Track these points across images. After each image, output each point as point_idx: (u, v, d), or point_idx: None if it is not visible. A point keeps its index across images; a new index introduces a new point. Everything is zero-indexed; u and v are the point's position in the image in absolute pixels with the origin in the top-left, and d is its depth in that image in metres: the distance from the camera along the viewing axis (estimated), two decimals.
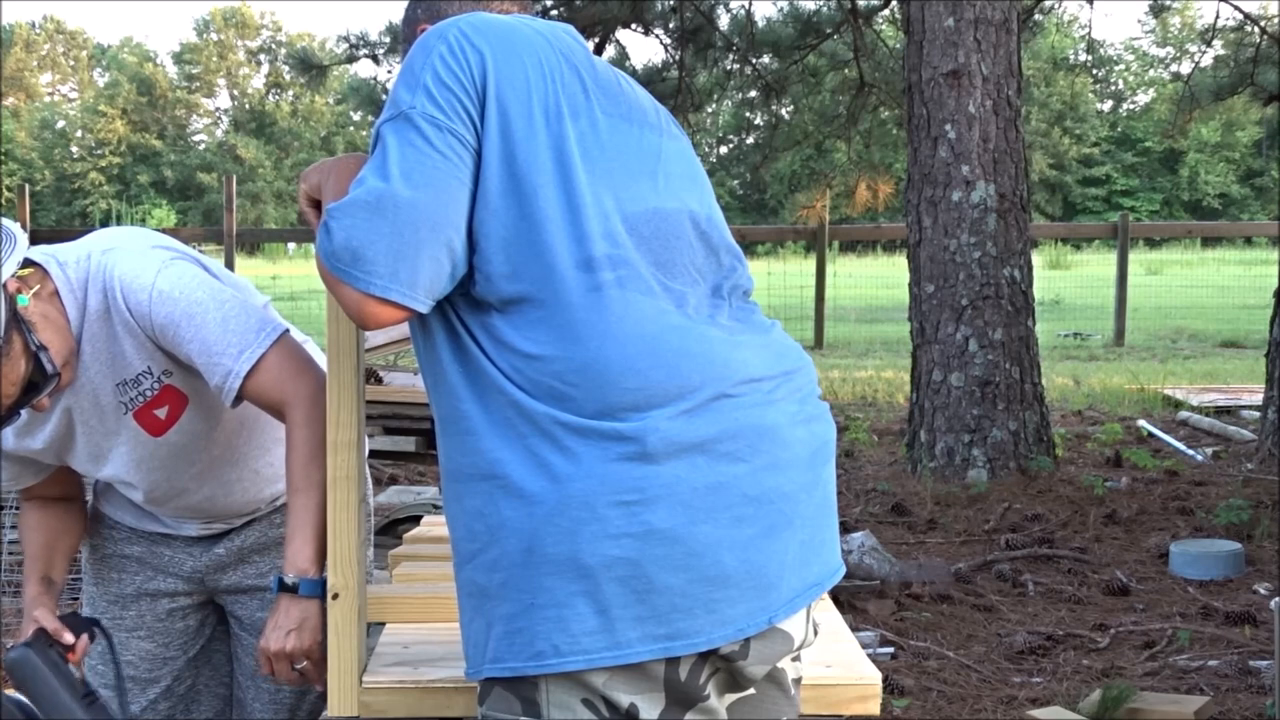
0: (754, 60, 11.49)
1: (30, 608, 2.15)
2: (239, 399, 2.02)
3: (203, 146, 50.88)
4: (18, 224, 2.02)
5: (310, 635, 1.91)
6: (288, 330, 2.08)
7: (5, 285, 1.91)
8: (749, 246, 21.85)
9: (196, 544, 2.32)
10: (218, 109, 54.24)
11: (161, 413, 2.11)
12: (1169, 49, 44.26)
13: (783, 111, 13.23)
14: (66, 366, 2.01)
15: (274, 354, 2.01)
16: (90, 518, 2.37)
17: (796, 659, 1.69)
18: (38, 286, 1.98)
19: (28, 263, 1.99)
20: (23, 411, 2.02)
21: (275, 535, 2.32)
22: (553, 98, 1.56)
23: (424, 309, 1.53)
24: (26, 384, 1.95)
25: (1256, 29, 10.17)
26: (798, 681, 1.70)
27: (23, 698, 2.42)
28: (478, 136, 1.53)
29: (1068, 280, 19.87)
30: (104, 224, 35.81)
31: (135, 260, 2.03)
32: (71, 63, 57.51)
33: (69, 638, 2.10)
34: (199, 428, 2.16)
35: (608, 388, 1.50)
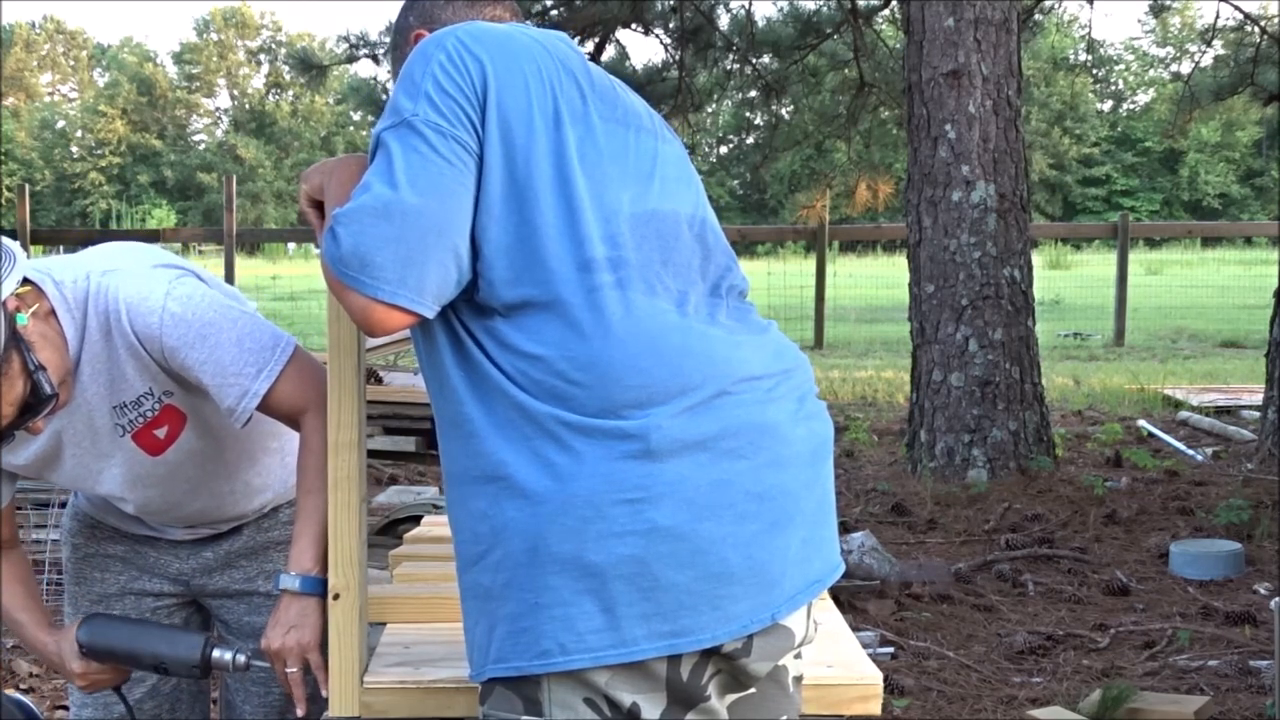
0: (754, 60, 11.48)
1: (62, 640, 2.09)
2: (251, 417, 2.01)
3: (203, 146, 50.92)
4: (16, 242, 1.97)
5: (311, 632, 1.92)
6: (298, 342, 2.07)
7: (4, 304, 1.87)
8: (749, 246, 21.94)
9: (182, 547, 2.31)
10: (218, 109, 54.33)
11: (161, 433, 2.09)
12: (1169, 49, 44.30)
13: (783, 111, 13.22)
14: (64, 386, 1.97)
15: (291, 367, 2.01)
16: (72, 517, 2.35)
17: (798, 656, 1.69)
18: (35, 305, 1.94)
19: (24, 281, 1.94)
20: (15, 435, 1.99)
21: (263, 540, 2.32)
22: (551, 104, 1.57)
23: (431, 314, 1.54)
24: (23, 405, 1.91)
25: (1256, 29, 10.17)
26: (798, 680, 1.71)
27: (23, 698, 2.43)
28: (479, 143, 1.54)
29: (1068, 280, 19.88)
30: (104, 224, 35.81)
31: (140, 282, 1.99)
32: (71, 63, 57.53)
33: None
34: (195, 445, 2.14)
35: (611, 385, 1.51)
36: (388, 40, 10.21)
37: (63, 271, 2.01)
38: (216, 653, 2.01)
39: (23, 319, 1.91)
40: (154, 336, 1.98)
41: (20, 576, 2.17)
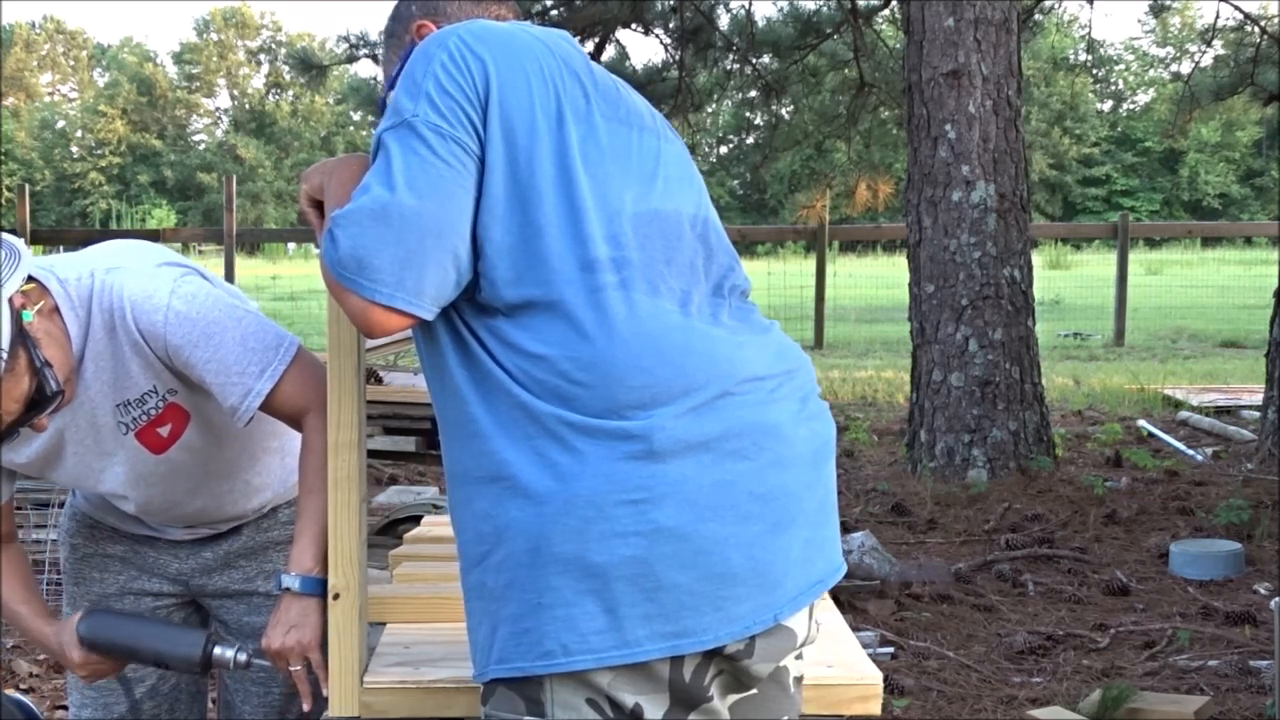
0: (754, 60, 11.48)
1: (62, 630, 2.09)
2: (252, 417, 2.01)
3: (203, 146, 50.91)
4: (20, 239, 1.98)
5: (310, 631, 1.92)
6: (301, 343, 2.07)
7: (10, 300, 1.88)
8: (749, 246, 21.92)
9: (182, 547, 2.30)
10: (218, 109, 54.32)
11: (164, 430, 2.10)
12: (1169, 49, 44.30)
13: (783, 111, 13.23)
14: (68, 384, 1.98)
15: (295, 367, 2.02)
16: (70, 518, 2.35)
17: (799, 657, 1.69)
18: (40, 303, 1.95)
19: (28, 279, 1.95)
20: (20, 431, 1.98)
21: (262, 540, 2.32)
22: (554, 103, 1.57)
23: (429, 316, 1.54)
24: (29, 401, 1.91)
25: (1256, 29, 10.17)
26: (799, 680, 1.71)
27: (23, 698, 2.43)
28: (480, 144, 1.54)
29: (1068, 280, 19.88)
30: (104, 224, 35.79)
31: (144, 280, 2.00)
32: (71, 63, 57.52)
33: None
34: (198, 443, 2.14)
35: (615, 386, 1.51)
36: None
37: (66, 269, 2.02)
38: (218, 650, 2.02)
39: (28, 316, 1.91)
40: (158, 334, 1.98)
41: (18, 571, 2.17)
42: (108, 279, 2.00)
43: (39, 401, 1.92)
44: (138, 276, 2.00)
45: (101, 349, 2.01)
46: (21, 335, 1.88)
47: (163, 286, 1.99)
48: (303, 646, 1.92)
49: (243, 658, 2.01)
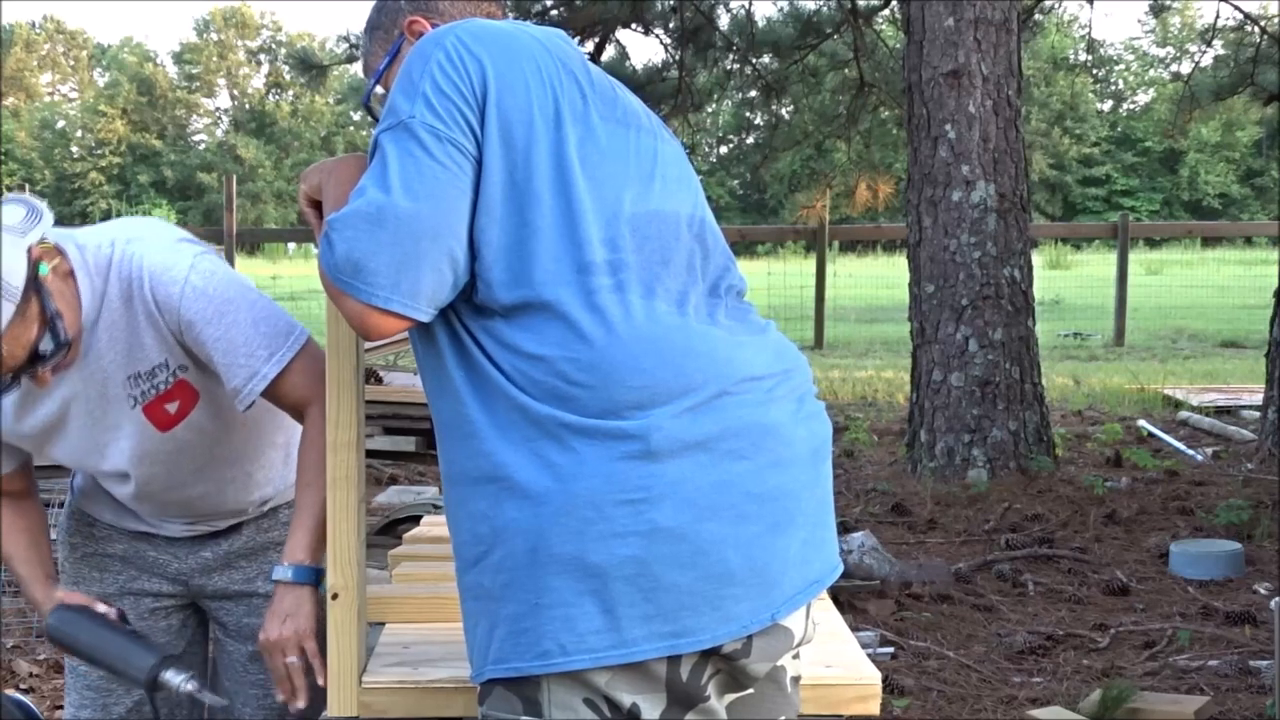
0: (754, 60, 11.48)
1: (49, 602, 2.10)
2: (254, 402, 2.02)
3: (203, 146, 50.89)
4: (44, 202, 1.99)
5: (305, 620, 1.93)
6: (310, 335, 2.08)
7: (29, 250, 1.89)
8: (749, 246, 21.92)
9: (181, 545, 2.30)
10: (218, 109, 54.27)
11: (172, 407, 2.10)
12: (1169, 49, 44.29)
13: (783, 111, 13.23)
14: (74, 344, 1.99)
15: (303, 357, 2.03)
16: (69, 517, 2.35)
17: (796, 656, 1.69)
18: (56, 262, 1.96)
19: (43, 239, 1.96)
20: (21, 382, 1.98)
21: (263, 540, 2.32)
22: (552, 104, 1.57)
23: (426, 319, 1.54)
24: (34, 350, 1.92)
25: (1256, 29, 10.17)
26: (796, 680, 1.71)
27: (23, 698, 2.43)
28: (478, 145, 1.53)
29: (1068, 280, 19.87)
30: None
31: (165, 253, 2.02)
32: (71, 63, 57.48)
33: (101, 607, 2.09)
34: (205, 425, 2.15)
35: (614, 386, 1.51)
36: None
37: (87, 237, 2.04)
38: (168, 674, 1.98)
39: (44, 269, 1.93)
40: (173, 307, 1.99)
41: (23, 526, 2.18)
42: (129, 249, 2.01)
43: (43, 353, 1.92)
44: (159, 249, 2.02)
45: (117, 318, 2.02)
46: (36, 283, 1.90)
47: (182, 261, 2.01)
48: (299, 635, 1.93)
49: (190, 687, 1.97)
